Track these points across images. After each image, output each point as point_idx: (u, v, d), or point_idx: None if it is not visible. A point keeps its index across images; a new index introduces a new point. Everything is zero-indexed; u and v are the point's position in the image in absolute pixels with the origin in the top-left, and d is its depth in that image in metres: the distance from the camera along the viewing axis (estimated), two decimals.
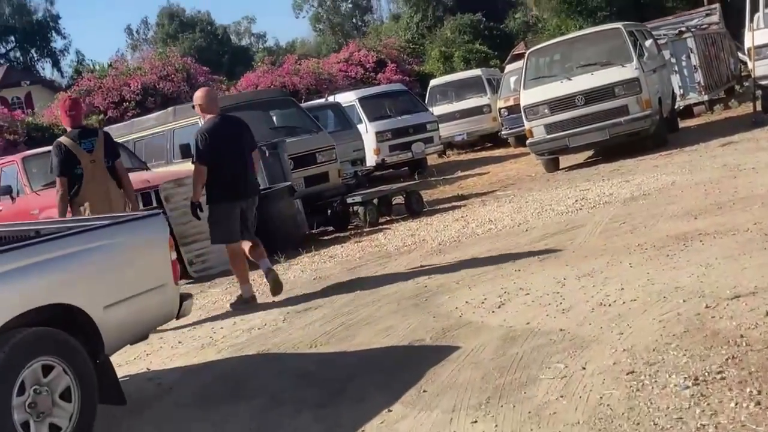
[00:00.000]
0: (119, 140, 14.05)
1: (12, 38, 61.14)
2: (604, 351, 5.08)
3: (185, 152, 12.59)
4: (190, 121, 12.95)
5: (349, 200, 12.29)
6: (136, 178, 10.97)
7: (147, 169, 12.10)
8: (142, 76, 23.67)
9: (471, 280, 7.55)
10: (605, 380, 4.65)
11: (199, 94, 8.49)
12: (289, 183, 11.57)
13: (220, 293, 9.26)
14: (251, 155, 8.42)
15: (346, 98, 20.07)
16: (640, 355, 4.88)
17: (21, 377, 4.57)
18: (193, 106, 8.92)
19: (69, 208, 8.12)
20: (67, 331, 4.90)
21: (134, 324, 5.31)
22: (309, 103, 19.92)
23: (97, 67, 27.17)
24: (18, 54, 61.78)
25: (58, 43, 62.17)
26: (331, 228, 12.57)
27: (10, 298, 4.57)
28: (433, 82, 25.33)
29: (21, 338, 4.58)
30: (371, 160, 18.99)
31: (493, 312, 6.39)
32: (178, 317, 5.72)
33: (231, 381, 5.95)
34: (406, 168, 20.36)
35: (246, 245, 8.39)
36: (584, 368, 4.88)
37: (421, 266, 8.61)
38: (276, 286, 8.27)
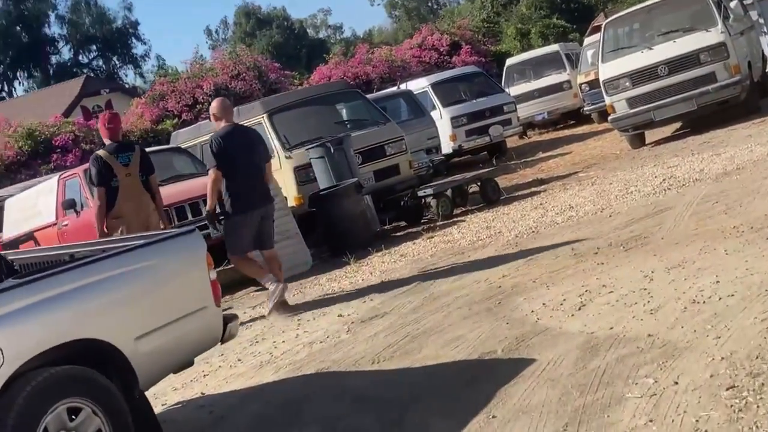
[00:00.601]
0: (186, 145, 13.94)
1: (94, 47, 62.17)
2: (700, 360, 4.41)
3: None
4: (254, 121, 12.53)
5: (421, 193, 11.70)
6: (198, 183, 10.62)
7: None
8: (214, 77, 23.42)
9: (549, 278, 6.91)
10: (701, 398, 3.99)
11: (213, 104, 8.48)
12: (356, 179, 11.05)
13: (288, 300, 8.77)
14: (265, 166, 8.39)
15: (418, 85, 19.43)
16: (741, 365, 4.21)
17: (43, 424, 4.14)
18: (208, 117, 8.96)
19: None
20: (96, 366, 4.47)
21: (171, 354, 4.85)
22: (379, 93, 19.36)
23: (171, 71, 27.05)
24: (101, 62, 62.80)
25: (138, 49, 62.92)
26: (404, 223, 12.00)
27: (25, 337, 4.15)
28: (509, 61, 24.48)
29: (41, 381, 4.15)
30: (447, 147, 18.34)
31: (572, 315, 5.75)
32: (223, 341, 5.25)
33: (285, 407, 5.45)
34: (485, 153, 19.66)
35: (271, 264, 8.35)
36: (676, 383, 4.23)
37: (496, 263, 7.99)
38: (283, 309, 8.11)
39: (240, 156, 8.10)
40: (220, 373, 6.65)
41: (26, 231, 11.64)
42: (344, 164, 11.36)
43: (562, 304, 6.05)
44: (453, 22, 34.62)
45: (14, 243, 9.62)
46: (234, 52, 25.18)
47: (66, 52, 61.74)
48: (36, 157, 19.91)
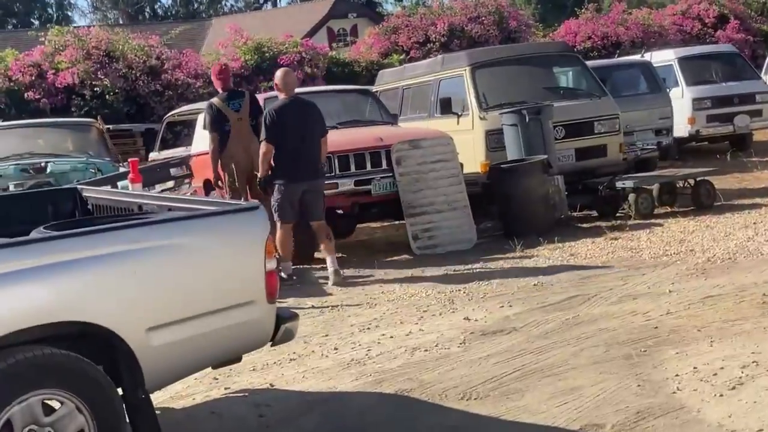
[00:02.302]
0: (389, 86, 13.24)
1: None
2: None
3: (445, 107, 11.29)
4: (458, 72, 11.55)
5: (619, 184, 10.28)
6: (369, 134, 9.78)
7: (394, 123, 10.84)
8: (451, 17, 22.46)
9: (718, 329, 5.56)
10: None
11: (277, 74, 8.55)
12: (545, 157, 9.82)
13: (425, 287, 7.83)
14: (319, 140, 8.34)
15: (663, 57, 17.55)
16: None
17: (5, 415, 3.46)
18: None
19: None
20: (98, 356, 3.75)
21: (195, 353, 4.02)
22: (614, 59, 17.71)
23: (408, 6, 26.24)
24: None
25: None
26: (595, 213, 10.64)
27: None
28: None
29: (9, 365, 3.46)
30: (683, 130, 16.50)
31: (720, 396, 4.45)
32: (274, 343, 4.38)
33: None
34: (727, 142, 17.61)
35: (319, 234, 8.39)
36: None
37: (668, 292, 6.65)
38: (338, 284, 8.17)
39: (291, 130, 8.15)
40: (306, 361, 5.82)
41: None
42: (538, 137, 10.15)
43: (715, 375, 4.74)
44: None
45: (164, 165, 9.22)
46: None
47: None
48: (259, 73, 19.75)
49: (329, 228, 8.43)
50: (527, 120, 10.11)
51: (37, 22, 51.97)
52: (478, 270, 8.17)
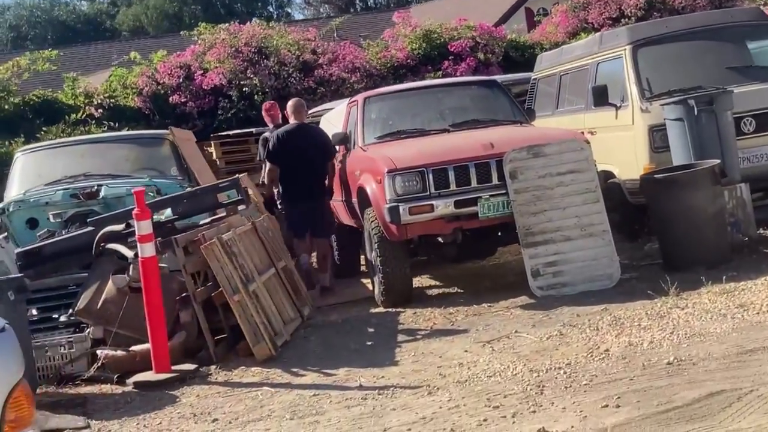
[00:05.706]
0: (547, 72, 11.21)
1: None
2: None
3: (599, 98, 9.00)
4: (617, 52, 9.19)
5: None
6: (476, 139, 7.68)
7: (525, 122, 8.62)
8: None
9: None
10: None
11: (288, 104, 9.18)
12: (716, 162, 7.34)
13: (517, 358, 5.69)
14: (324, 164, 8.84)
15: None
16: None
17: None
18: None
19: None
20: None
21: None
22: None
23: None
24: None
25: None
26: None
27: None
28: None
29: None
30: None
31: None
32: None
33: None
34: None
35: (317, 250, 9.00)
36: None
37: None
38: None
39: (294, 155, 8.60)
40: None
41: None
42: (712, 134, 7.67)
43: None
44: None
45: (210, 189, 7.51)
46: None
47: None
48: (427, 63, 17.95)
49: (329, 247, 9.07)
50: (696, 112, 7.66)
51: (256, 20, 52.84)
52: (603, 328, 5.91)
